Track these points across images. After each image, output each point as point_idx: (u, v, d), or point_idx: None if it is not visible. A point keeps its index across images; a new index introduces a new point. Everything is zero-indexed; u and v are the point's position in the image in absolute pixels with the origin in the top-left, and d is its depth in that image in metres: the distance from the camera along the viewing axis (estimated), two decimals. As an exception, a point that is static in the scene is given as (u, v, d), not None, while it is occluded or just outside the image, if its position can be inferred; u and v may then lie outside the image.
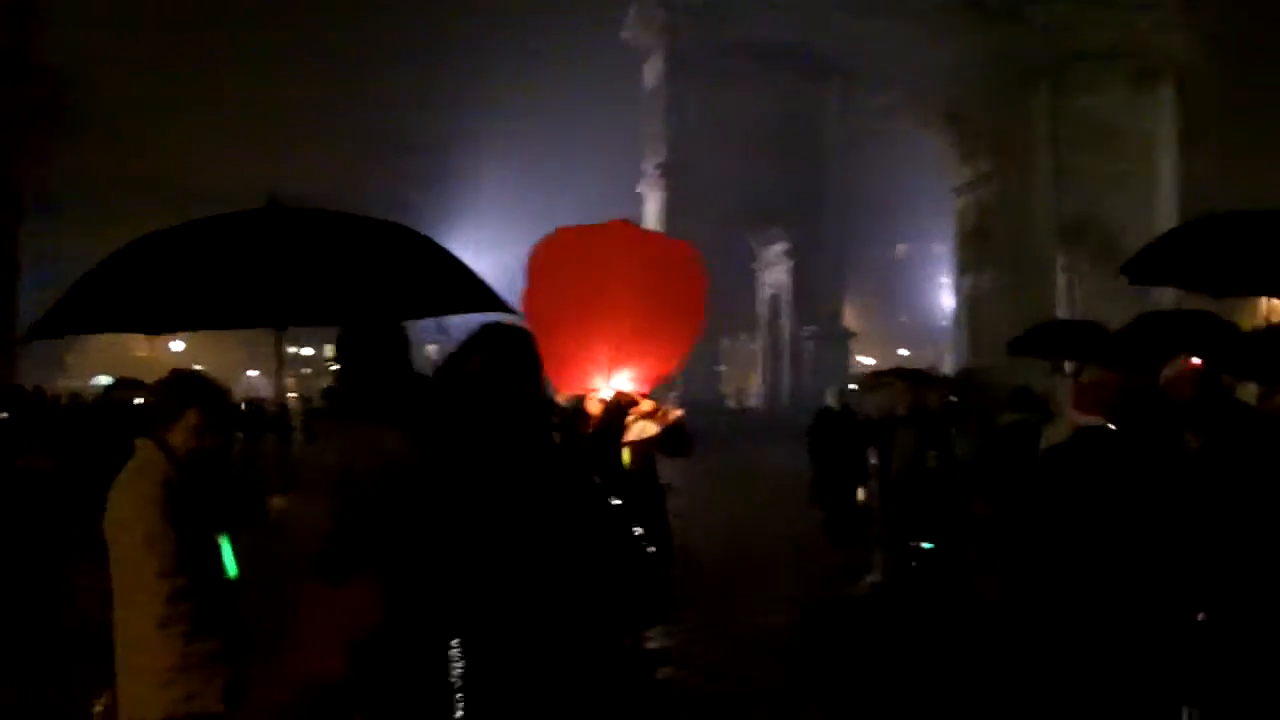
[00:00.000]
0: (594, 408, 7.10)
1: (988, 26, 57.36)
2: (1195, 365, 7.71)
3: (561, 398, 7.56)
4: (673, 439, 7.74)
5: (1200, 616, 6.39)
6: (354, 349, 5.97)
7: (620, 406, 6.79)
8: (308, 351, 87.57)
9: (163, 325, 7.01)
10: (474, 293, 6.77)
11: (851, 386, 24.67)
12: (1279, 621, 5.97)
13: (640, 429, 7.17)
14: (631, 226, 7.74)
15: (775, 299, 63.57)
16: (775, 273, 63.37)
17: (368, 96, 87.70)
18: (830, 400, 18.27)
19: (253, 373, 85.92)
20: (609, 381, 7.02)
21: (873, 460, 16.73)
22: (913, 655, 11.33)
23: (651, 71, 62.21)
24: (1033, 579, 7.07)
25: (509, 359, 5.16)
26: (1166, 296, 56.71)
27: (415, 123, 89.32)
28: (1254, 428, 6.33)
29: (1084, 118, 58.32)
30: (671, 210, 57.01)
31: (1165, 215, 58.49)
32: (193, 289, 6.16)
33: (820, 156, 57.55)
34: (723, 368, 68.36)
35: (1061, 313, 58.16)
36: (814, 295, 59.03)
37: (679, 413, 7.45)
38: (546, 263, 7.26)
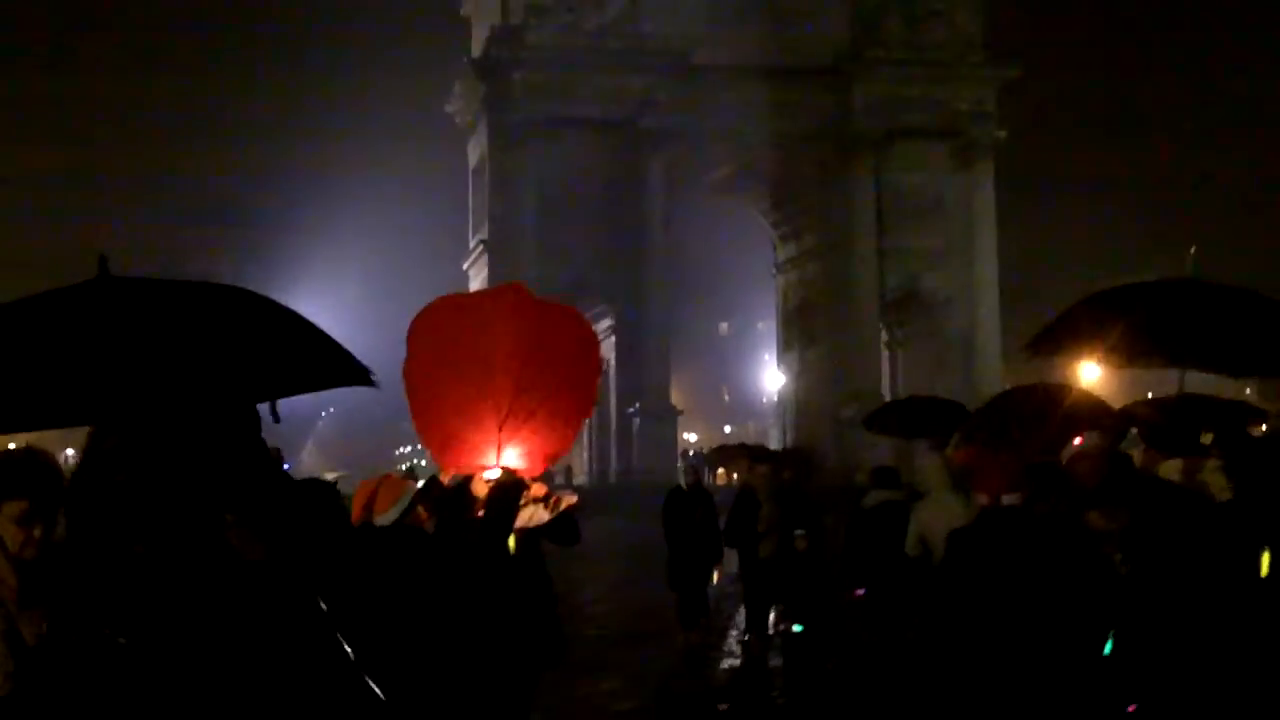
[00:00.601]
0: (480, 489, 6.56)
1: (812, 104, 58.07)
2: (1097, 444, 7.40)
3: (445, 477, 6.98)
4: (563, 526, 7.14)
5: (1131, 709, 6.09)
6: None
7: (513, 486, 6.29)
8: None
9: None
10: (336, 365, 5.84)
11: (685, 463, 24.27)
12: (1213, 712, 5.61)
13: (530, 515, 6.63)
14: (524, 291, 7.12)
15: (601, 375, 63.20)
16: (600, 349, 62.95)
17: (191, 168, 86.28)
18: (681, 479, 17.75)
19: (69, 451, 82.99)
20: (498, 459, 6.49)
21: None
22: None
23: (475, 148, 61.89)
24: (949, 665, 6.69)
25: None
26: (989, 370, 58.07)
27: (240, 196, 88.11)
28: (1180, 506, 5.99)
29: (906, 194, 59.33)
30: (496, 286, 56.40)
31: (986, 288, 59.79)
32: (18, 386, 5.16)
33: (646, 233, 57.41)
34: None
35: (885, 387, 58.93)
36: (640, 372, 58.66)
37: (573, 498, 6.89)
38: (429, 331, 6.64)
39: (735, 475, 33.57)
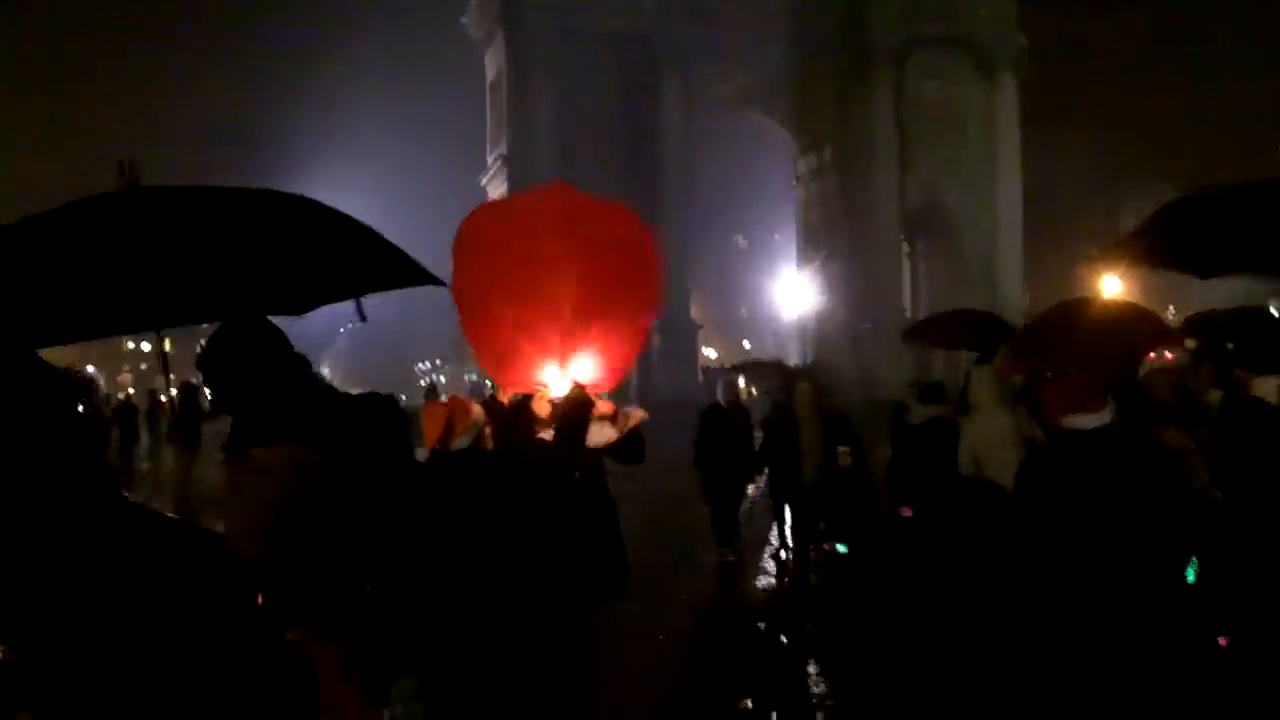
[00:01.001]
0: (543, 408, 6.15)
1: (829, 12, 57.26)
2: (1169, 360, 7.14)
3: (505, 396, 6.53)
4: (631, 445, 6.80)
5: (1223, 641, 5.87)
6: (226, 356, 5.02)
7: (583, 404, 5.90)
8: (146, 346, 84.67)
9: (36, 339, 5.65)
10: (395, 265, 5.30)
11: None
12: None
13: (598, 433, 6.26)
14: (571, 190, 6.64)
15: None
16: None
17: (200, 88, 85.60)
18: (719, 395, 17.44)
19: (89, 369, 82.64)
20: (563, 375, 6.04)
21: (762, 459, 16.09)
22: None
23: (493, 62, 61.29)
24: (1032, 592, 6.44)
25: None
26: (1011, 286, 57.61)
27: (251, 115, 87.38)
28: (1274, 427, 5.71)
29: (925, 105, 58.46)
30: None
31: (1008, 203, 59.10)
32: (62, 298, 4.88)
33: (663, 146, 56.84)
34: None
35: (908, 303, 58.56)
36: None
37: (641, 414, 6.52)
38: (477, 239, 6.13)
39: (754, 391, 33.32)
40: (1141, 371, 7.13)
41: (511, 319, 6.00)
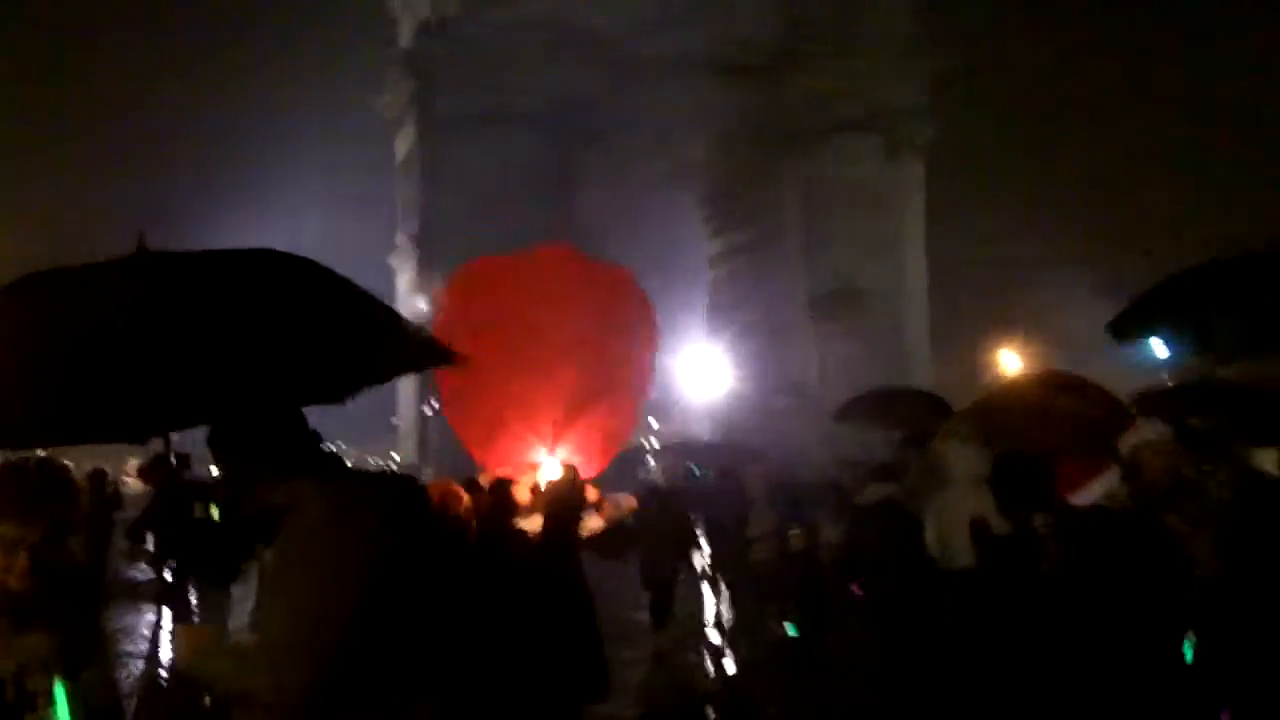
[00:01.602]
0: (523, 494, 5.78)
1: (746, 99, 57.93)
2: (1163, 436, 7.08)
3: (485, 478, 6.04)
4: (618, 537, 6.32)
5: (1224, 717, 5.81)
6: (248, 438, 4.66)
7: (576, 489, 5.50)
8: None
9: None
10: (417, 344, 4.84)
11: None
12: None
13: (585, 523, 5.87)
14: (573, 251, 6.16)
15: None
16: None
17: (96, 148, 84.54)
18: (656, 477, 17.31)
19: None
20: (551, 456, 5.63)
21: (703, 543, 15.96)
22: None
23: (404, 139, 61.20)
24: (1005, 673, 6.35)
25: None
26: (919, 361, 58.28)
27: (157, 186, 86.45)
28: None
29: (836, 187, 59.34)
30: (424, 282, 55.87)
31: (915, 282, 60.10)
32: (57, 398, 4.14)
33: (575, 225, 56.89)
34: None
35: (817, 380, 59.07)
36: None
37: (632, 502, 6.12)
38: (466, 308, 5.75)
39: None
40: (1125, 450, 7.04)
41: (501, 390, 5.46)
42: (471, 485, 6.29)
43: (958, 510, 9.74)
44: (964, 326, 68.67)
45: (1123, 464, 6.64)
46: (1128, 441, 7.05)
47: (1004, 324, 72.19)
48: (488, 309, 5.74)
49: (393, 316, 4.58)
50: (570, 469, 5.42)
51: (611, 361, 5.57)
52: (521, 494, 5.81)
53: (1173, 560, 6.18)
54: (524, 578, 5.40)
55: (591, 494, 5.77)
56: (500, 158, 55.18)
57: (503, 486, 6.06)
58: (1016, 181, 68.63)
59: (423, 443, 57.99)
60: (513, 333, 5.50)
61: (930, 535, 10.00)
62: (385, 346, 4.51)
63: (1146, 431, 7.11)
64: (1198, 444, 7.51)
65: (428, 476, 55.48)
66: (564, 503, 5.34)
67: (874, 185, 60.01)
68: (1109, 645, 5.68)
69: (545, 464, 5.60)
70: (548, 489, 5.51)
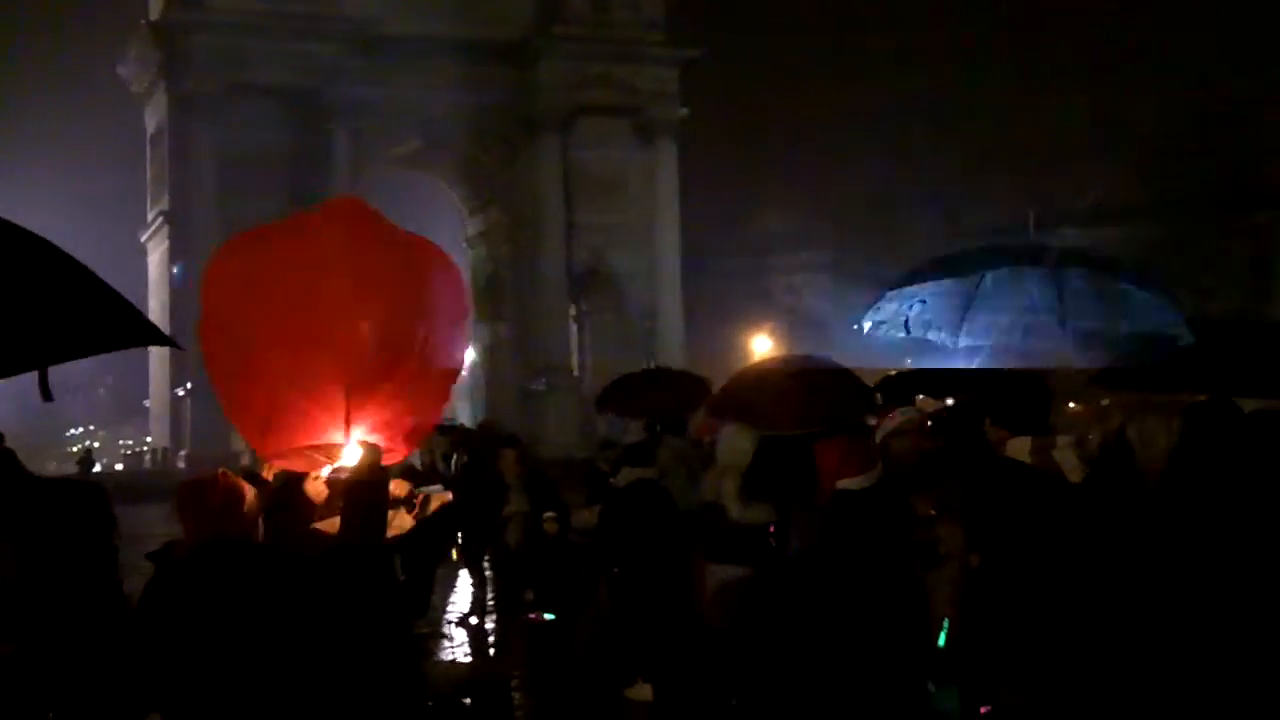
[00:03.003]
0: (317, 489, 5.02)
1: (499, 79, 57.89)
2: (914, 419, 7.19)
3: (269, 472, 5.31)
4: (432, 538, 5.58)
5: (984, 710, 5.90)
6: None
7: (377, 475, 4.52)
8: None
9: None
10: (120, 322, 4.30)
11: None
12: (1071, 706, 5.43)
13: (396, 524, 4.94)
14: (363, 208, 5.18)
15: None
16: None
17: None
18: (414, 460, 17.05)
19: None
20: (348, 440, 4.64)
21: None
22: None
23: (154, 114, 59.44)
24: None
25: None
26: (673, 343, 59.00)
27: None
28: (1030, 488, 5.79)
29: (591, 171, 59.82)
30: (177, 260, 54.44)
31: (669, 265, 60.80)
32: None
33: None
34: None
35: (575, 361, 59.65)
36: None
37: (445, 496, 5.31)
38: (235, 272, 4.87)
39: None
40: (878, 435, 7.14)
41: (280, 369, 4.68)
42: (253, 478, 5.33)
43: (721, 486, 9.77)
44: (718, 308, 69.80)
45: (877, 449, 6.71)
46: (883, 426, 7.16)
47: (757, 306, 73.61)
48: (262, 274, 4.82)
49: (84, 289, 4.14)
50: (372, 450, 4.61)
51: (412, 331, 4.84)
52: (315, 489, 5.07)
53: (913, 545, 6.30)
54: (324, 583, 4.51)
55: (396, 486, 5.04)
56: (253, 133, 54.04)
57: (291, 481, 5.11)
58: (767, 161, 70.05)
59: (175, 425, 56.55)
60: (291, 297, 4.71)
61: (709, 489, 9.90)
62: (55, 322, 3.95)
63: (896, 416, 7.21)
64: (943, 427, 7.67)
65: (181, 460, 54.33)
66: (368, 488, 4.54)
67: (627, 167, 60.76)
68: (852, 627, 5.74)
69: (341, 447, 4.69)
70: (343, 478, 4.68)
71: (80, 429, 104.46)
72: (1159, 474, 5.24)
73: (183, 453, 55.09)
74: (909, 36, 67.92)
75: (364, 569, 4.60)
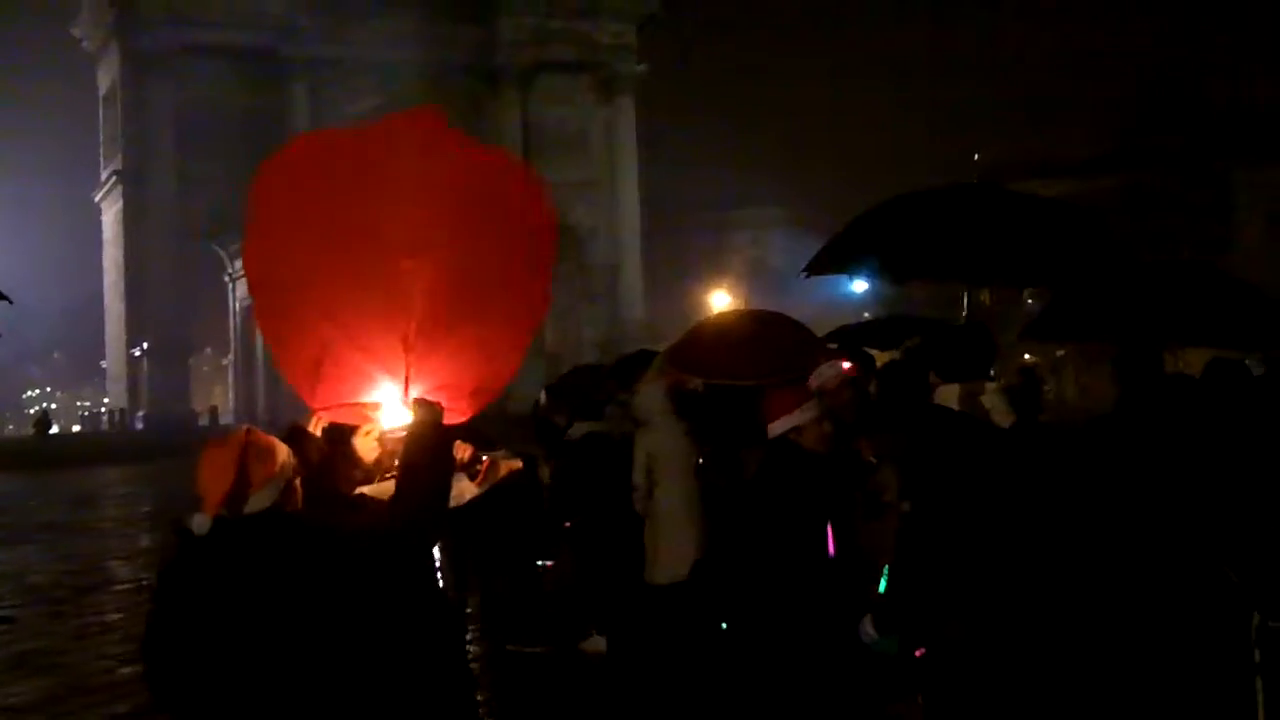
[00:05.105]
0: (368, 448, 4.32)
1: (459, 35, 57.76)
2: (848, 368, 7.29)
3: (315, 426, 4.35)
4: (502, 509, 4.71)
5: (919, 653, 6.04)
6: None
7: (440, 434, 3.83)
8: None
9: None
10: None
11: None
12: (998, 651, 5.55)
13: (455, 492, 4.23)
14: (439, 120, 4.21)
15: (248, 311, 61.63)
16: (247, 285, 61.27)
17: None
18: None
19: None
20: (405, 397, 3.99)
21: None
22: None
23: (106, 74, 58.97)
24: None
25: None
26: (633, 298, 59.27)
27: None
28: (961, 433, 5.90)
29: (551, 127, 59.84)
30: (132, 219, 54.10)
31: (629, 219, 60.96)
32: None
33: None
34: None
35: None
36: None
37: (515, 464, 4.69)
38: (289, 187, 4.06)
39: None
40: (813, 382, 7.23)
41: (332, 310, 4.01)
42: (295, 435, 4.28)
43: (659, 443, 9.94)
44: (678, 264, 70.04)
45: (812, 395, 6.81)
46: (818, 373, 7.24)
47: (717, 262, 73.83)
48: (319, 191, 4.04)
49: None
50: (430, 408, 3.87)
51: (491, 271, 4.10)
52: (366, 447, 4.33)
53: (859, 491, 6.46)
54: (365, 564, 3.78)
55: (460, 450, 4.27)
56: (208, 91, 53.68)
57: (339, 434, 4.34)
58: (725, 118, 70.32)
59: (133, 386, 56.38)
60: (348, 223, 3.99)
61: (638, 468, 10.12)
62: None
63: (834, 363, 7.30)
64: (878, 375, 7.80)
65: (139, 421, 53.94)
66: (423, 444, 3.81)
67: (587, 124, 60.85)
68: (786, 566, 5.89)
69: (394, 405, 4.03)
70: (398, 437, 3.98)
71: (37, 391, 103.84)
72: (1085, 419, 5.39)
73: (140, 413, 54.92)
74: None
75: (413, 544, 3.96)
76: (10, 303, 4.04)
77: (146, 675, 3.62)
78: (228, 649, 3.57)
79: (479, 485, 4.46)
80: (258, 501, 3.69)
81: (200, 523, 3.65)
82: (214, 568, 3.65)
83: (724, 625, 6.58)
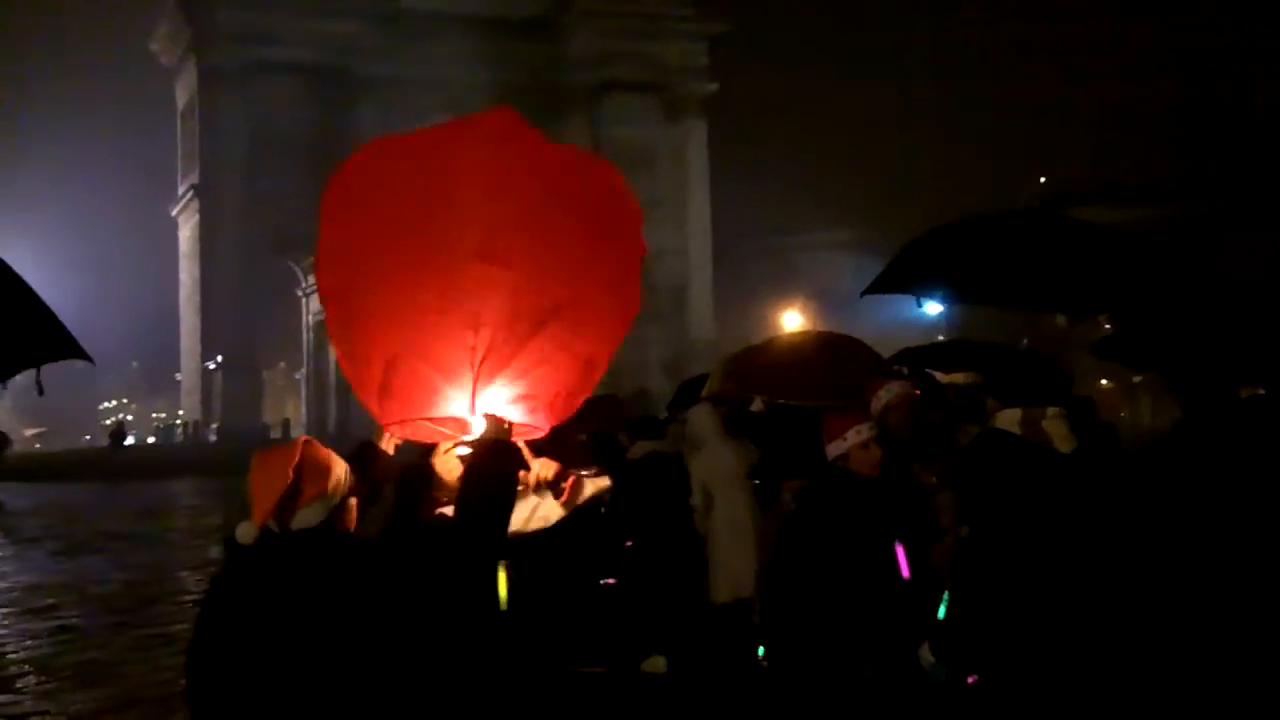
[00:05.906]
0: (446, 467, 4.13)
1: (524, 55, 58.02)
2: (901, 393, 7.22)
3: (387, 443, 4.24)
4: (587, 532, 4.77)
5: (971, 680, 5.98)
6: None
7: (506, 454, 3.65)
8: None
9: None
10: (46, 339, 3.85)
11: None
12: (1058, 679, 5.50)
13: (532, 512, 4.17)
14: (516, 118, 4.14)
15: (321, 325, 62.13)
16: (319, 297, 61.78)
17: None
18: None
19: None
20: (473, 411, 3.76)
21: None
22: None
23: (184, 88, 59.77)
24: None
25: None
26: (702, 319, 59.18)
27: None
28: (1019, 459, 5.85)
29: (618, 145, 59.84)
30: (207, 234, 54.72)
31: (698, 240, 60.88)
32: None
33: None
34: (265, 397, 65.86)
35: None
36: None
37: (603, 483, 4.50)
38: (364, 195, 3.89)
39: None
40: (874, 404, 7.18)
41: (402, 323, 3.79)
42: (364, 453, 4.20)
43: (712, 465, 9.91)
44: (746, 285, 69.85)
45: (872, 417, 6.77)
46: (878, 396, 7.19)
47: (787, 282, 73.57)
48: (391, 196, 3.86)
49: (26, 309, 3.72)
50: (495, 424, 3.70)
51: (576, 273, 3.90)
52: (445, 466, 4.18)
53: (919, 515, 6.40)
54: (417, 585, 3.59)
55: (544, 467, 4.16)
56: (281, 108, 54.32)
57: (421, 456, 4.24)
58: (794, 140, 70.16)
59: (206, 398, 56.97)
60: (418, 229, 3.81)
61: (695, 491, 10.10)
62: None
63: (892, 385, 7.25)
64: (937, 398, 7.75)
65: (212, 433, 54.53)
66: (487, 464, 3.65)
67: (656, 144, 60.80)
68: (840, 590, 5.84)
69: (468, 422, 3.79)
70: (469, 453, 3.75)
71: (114, 402, 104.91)
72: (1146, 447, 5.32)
73: (213, 426, 55.45)
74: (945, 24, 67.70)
75: (473, 566, 3.78)
76: (93, 363, 3.82)
77: (187, 687, 3.53)
78: (264, 665, 3.43)
79: (564, 505, 4.30)
80: (306, 517, 3.54)
81: (245, 531, 3.52)
82: (257, 583, 3.52)
83: (760, 653, 6.52)
